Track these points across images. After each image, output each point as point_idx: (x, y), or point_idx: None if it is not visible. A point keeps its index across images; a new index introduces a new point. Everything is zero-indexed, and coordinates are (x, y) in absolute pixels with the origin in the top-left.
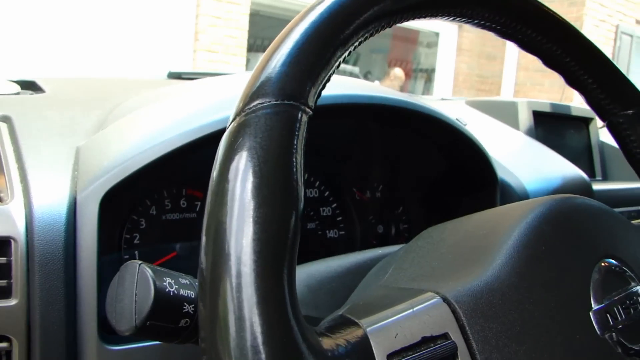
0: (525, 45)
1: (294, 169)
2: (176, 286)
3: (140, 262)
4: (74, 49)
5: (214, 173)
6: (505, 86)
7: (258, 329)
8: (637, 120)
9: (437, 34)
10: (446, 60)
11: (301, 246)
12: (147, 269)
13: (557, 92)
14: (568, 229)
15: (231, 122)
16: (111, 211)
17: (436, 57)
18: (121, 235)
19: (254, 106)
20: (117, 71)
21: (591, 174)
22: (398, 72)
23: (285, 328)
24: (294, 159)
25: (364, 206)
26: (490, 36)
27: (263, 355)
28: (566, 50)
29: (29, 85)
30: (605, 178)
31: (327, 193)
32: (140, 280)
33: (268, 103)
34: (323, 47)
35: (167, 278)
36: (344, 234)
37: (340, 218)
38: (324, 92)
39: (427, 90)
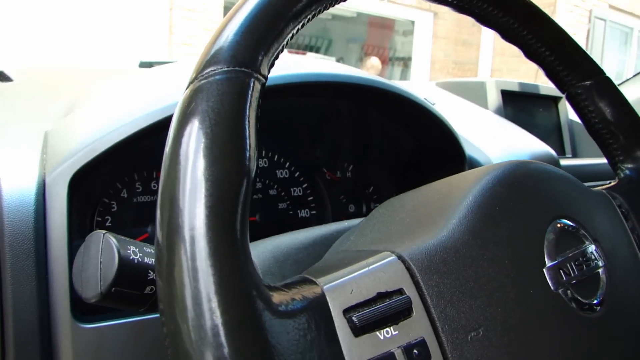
0: (483, 19)
1: (247, 132)
2: (140, 254)
3: (104, 231)
4: (47, 41)
5: (168, 139)
6: (481, 72)
7: (211, 280)
8: (595, 91)
9: (412, 22)
10: (422, 48)
11: (273, 226)
12: (112, 237)
13: (533, 77)
14: (522, 191)
15: (185, 90)
16: (82, 194)
17: (412, 45)
18: (93, 218)
19: (206, 73)
20: (90, 64)
21: (561, 151)
22: (374, 61)
23: (239, 278)
24: (247, 122)
25: (334, 186)
26: (465, 23)
27: (215, 304)
28: (523, 24)
29: None
30: (575, 155)
31: (297, 173)
32: (105, 248)
33: (220, 69)
34: (275, 18)
35: (131, 246)
36: (315, 213)
37: (311, 198)
38: (292, 71)
39: (404, 78)
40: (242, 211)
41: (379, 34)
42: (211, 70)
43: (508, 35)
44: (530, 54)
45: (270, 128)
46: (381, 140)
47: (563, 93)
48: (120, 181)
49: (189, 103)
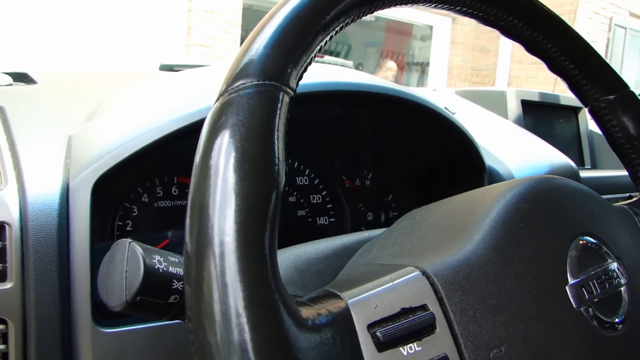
0: (508, 31)
1: (276, 146)
2: (165, 263)
3: (130, 240)
4: (68, 43)
5: (198, 151)
6: (499, 79)
7: (240, 295)
8: (618, 106)
9: (430, 27)
10: (440, 53)
11: (291, 233)
12: (137, 246)
13: (551, 84)
14: (546, 207)
15: (215, 103)
16: (103, 198)
17: (430, 50)
18: (114, 223)
19: (236, 86)
20: (110, 66)
21: (580, 162)
22: (390, 64)
23: (267, 294)
24: (276, 136)
25: (353, 194)
26: (484, 29)
27: (244, 319)
28: (547, 36)
29: (22, 77)
30: (595, 167)
31: (317, 181)
32: (130, 257)
33: (250, 83)
34: (304, 31)
35: (157, 255)
36: (333, 221)
37: (330, 205)
38: (313, 79)
39: (421, 83)
40: (271, 226)
41: (397, 39)
42: (241, 84)
43: (532, 48)
44: (554, 67)
45: (290, 135)
46: (401, 149)
47: (586, 107)
48: (141, 186)
49: (219, 116)
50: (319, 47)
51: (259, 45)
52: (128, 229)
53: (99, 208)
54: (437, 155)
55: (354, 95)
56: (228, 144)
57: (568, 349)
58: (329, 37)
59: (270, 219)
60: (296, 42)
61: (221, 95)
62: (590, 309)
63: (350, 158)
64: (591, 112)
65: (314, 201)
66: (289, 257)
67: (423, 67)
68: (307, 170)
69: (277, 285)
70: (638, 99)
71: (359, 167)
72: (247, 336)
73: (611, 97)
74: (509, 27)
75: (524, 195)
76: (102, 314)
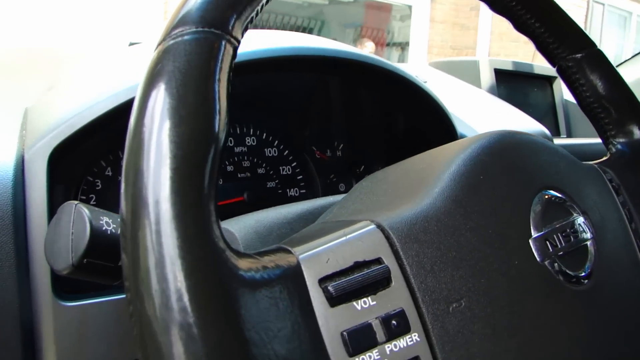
0: None
1: (216, 94)
2: (114, 225)
3: (77, 202)
4: (39, 24)
5: (135, 99)
6: (478, 57)
7: (174, 243)
8: (586, 64)
9: (409, 7)
10: (419, 33)
11: (261, 205)
12: (84, 208)
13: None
14: (509, 160)
15: (154, 52)
16: (64, 172)
17: (410, 30)
18: (77, 197)
19: (174, 34)
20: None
21: (556, 132)
22: (368, 43)
23: (204, 243)
24: (216, 85)
25: (324, 165)
26: (463, 7)
27: (178, 268)
28: None
29: None
30: (570, 136)
31: (286, 152)
32: (77, 219)
33: (188, 30)
34: None
35: (105, 217)
36: (304, 192)
37: (300, 177)
38: (279, 44)
39: (401, 62)
40: (210, 174)
41: (376, 19)
42: (180, 31)
43: (497, 7)
44: (520, 26)
45: (258, 106)
46: (372, 119)
47: (554, 66)
48: (104, 159)
49: (155, 64)
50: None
51: None
52: (91, 203)
53: (60, 182)
54: (408, 125)
55: (322, 61)
56: (163, 91)
57: (532, 303)
58: None
59: (209, 166)
60: None
61: (159, 44)
62: (556, 264)
63: (320, 128)
64: (559, 71)
65: (284, 172)
66: (249, 222)
67: (403, 46)
68: (276, 142)
69: (216, 234)
70: (605, 57)
71: (330, 138)
72: (182, 285)
73: (578, 55)
74: None
75: (485, 148)
76: (64, 288)
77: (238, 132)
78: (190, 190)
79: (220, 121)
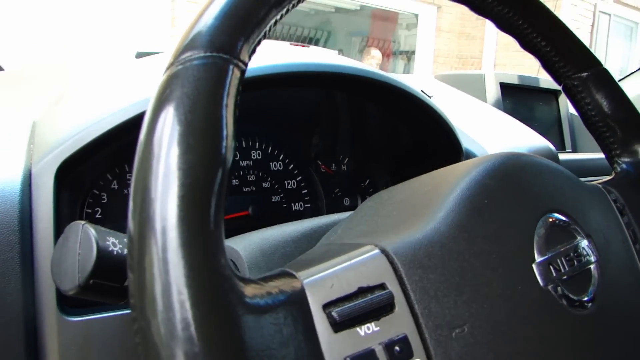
0: (477, 8)
1: (223, 120)
2: (120, 246)
3: (84, 222)
4: (46, 32)
5: (143, 124)
6: (485, 66)
7: (180, 272)
8: (591, 83)
9: (416, 16)
10: (426, 42)
11: (266, 219)
12: (90, 228)
13: (536, 72)
14: (513, 184)
15: (162, 76)
16: (70, 185)
17: (416, 39)
18: (82, 210)
19: (183, 58)
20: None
21: (561, 146)
22: (375, 52)
23: (211, 271)
24: (223, 110)
25: (329, 179)
26: (469, 17)
27: (185, 296)
28: (518, 13)
29: None
30: (575, 150)
31: (291, 166)
32: (84, 240)
33: (197, 55)
34: (257, 3)
35: (111, 238)
36: (309, 206)
37: (305, 191)
38: (286, 60)
39: (407, 72)
40: (217, 201)
41: (382, 27)
42: (188, 56)
43: (503, 24)
44: (526, 45)
45: (264, 120)
46: (377, 134)
47: (559, 85)
48: (110, 172)
49: (164, 89)
50: (273, 20)
51: (209, 17)
52: (97, 216)
53: (66, 195)
54: (414, 139)
55: (328, 77)
56: (172, 117)
57: (535, 328)
58: (285, 10)
59: (216, 193)
60: (248, 14)
61: (168, 68)
62: (559, 288)
63: (325, 143)
64: (564, 90)
65: (289, 187)
66: (254, 240)
67: (409, 55)
68: (282, 155)
69: (221, 262)
70: (611, 76)
71: (335, 152)
72: (189, 314)
73: (584, 74)
74: (479, 4)
75: (489, 171)
76: (68, 303)
77: (244, 145)
78: (197, 218)
79: (227, 146)
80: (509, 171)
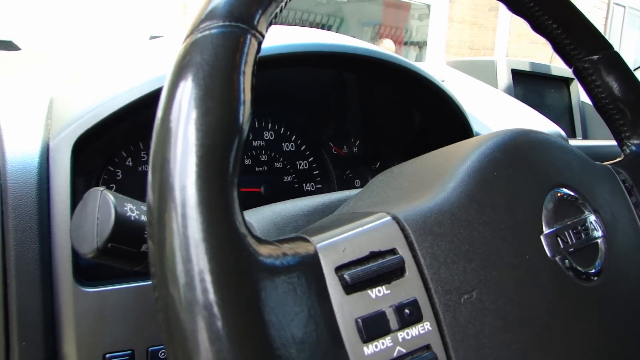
0: None
1: (241, 87)
2: (137, 212)
3: (102, 188)
4: (63, 14)
5: (163, 90)
6: (496, 57)
7: (199, 227)
8: (602, 66)
9: (428, 6)
10: (438, 33)
11: (277, 199)
12: (109, 194)
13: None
14: (522, 158)
15: (182, 44)
16: (86, 161)
17: (427, 29)
18: (98, 186)
19: (202, 27)
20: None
21: (572, 134)
22: (388, 43)
23: (228, 227)
24: (241, 77)
25: (341, 161)
26: (482, 8)
27: (202, 250)
28: None
29: (6, 45)
30: (586, 138)
31: (303, 147)
32: (102, 205)
33: (216, 24)
34: None
35: (129, 204)
36: (320, 187)
37: (317, 172)
38: (299, 41)
39: (419, 62)
40: (234, 162)
41: (394, 17)
42: (207, 25)
43: (514, 6)
44: (537, 27)
45: (277, 101)
46: (389, 116)
47: (570, 67)
48: (125, 150)
49: (183, 57)
50: None
51: None
52: None
53: (82, 171)
54: (425, 123)
55: (340, 57)
56: (191, 82)
57: (541, 297)
58: None
59: (234, 155)
60: None
61: (187, 37)
62: (566, 260)
63: (337, 124)
64: (575, 72)
65: (301, 167)
66: (267, 213)
67: (421, 45)
68: (294, 136)
69: (238, 220)
70: (622, 59)
71: (347, 134)
72: (205, 267)
73: (595, 57)
74: None
75: (500, 145)
76: (84, 274)
77: (256, 126)
78: (215, 177)
79: (245, 112)
80: (519, 146)
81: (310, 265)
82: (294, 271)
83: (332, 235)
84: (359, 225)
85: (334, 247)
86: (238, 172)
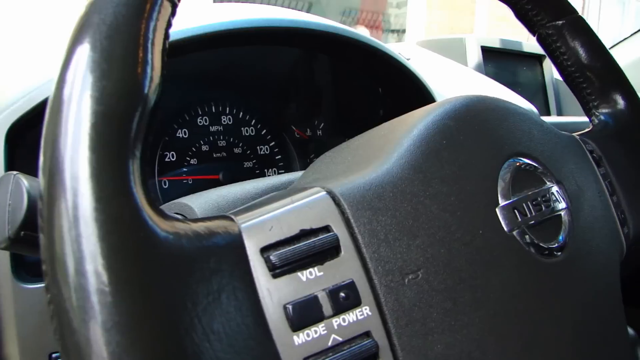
0: None
1: (147, 50)
2: None
3: (16, 172)
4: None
5: (62, 54)
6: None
7: (90, 204)
8: (567, 31)
9: None
10: (416, 19)
11: None
12: (22, 178)
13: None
14: (475, 125)
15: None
16: (26, 151)
17: (406, 18)
18: None
19: None
20: None
21: (546, 112)
22: (361, 28)
23: (122, 204)
24: (148, 41)
25: (304, 144)
26: None
27: (92, 229)
28: None
29: None
30: (561, 115)
31: (264, 131)
32: (14, 190)
33: None
34: None
35: None
36: (283, 172)
37: (279, 157)
38: (258, 16)
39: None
40: (135, 130)
41: (372, 5)
42: None
43: None
44: None
45: (235, 84)
46: (353, 97)
47: (533, 35)
48: None
49: (82, 18)
50: None
51: None
52: None
53: (22, 161)
54: (391, 102)
55: (301, 34)
56: (86, 44)
57: (497, 275)
58: None
59: (135, 124)
60: None
61: None
62: (527, 236)
63: (300, 107)
64: (539, 39)
65: (262, 152)
66: (211, 197)
67: (399, 34)
68: (254, 120)
69: (138, 195)
70: (587, 24)
71: (310, 117)
72: (96, 247)
73: (559, 22)
74: None
75: (450, 113)
76: (26, 269)
77: (214, 110)
78: (109, 147)
79: (151, 78)
80: (472, 112)
81: (232, 247)
82: (210, 255)
83: (260, 213)
84: (290, 202)
85: (259, 226)
86: (143, 144)
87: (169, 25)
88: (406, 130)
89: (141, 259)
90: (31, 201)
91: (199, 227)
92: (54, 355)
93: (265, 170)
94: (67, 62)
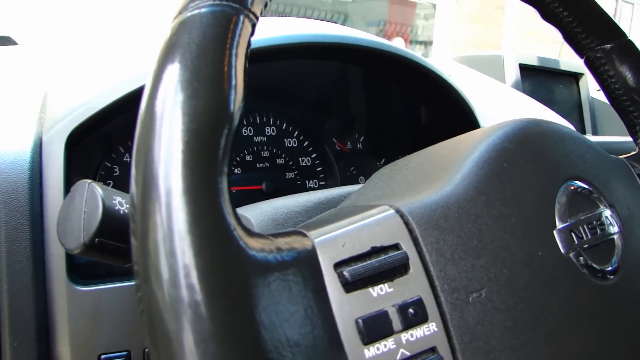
0: None
1: (232, 70)
2: (127, 205)
3: (90, 181)
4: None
5: (149, 73)
6: (503, 51)
7: (183, 218)
8: (615, 55)
9: (434, 5)
10: (443, 30)
11: (280, 196)
12: (97, 187)
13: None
14: (533, 148)
15: (170, 25)
16: (82, 156)
17: (433, 29)
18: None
19: (191, 6)
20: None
21: (581, 130)
22: (398, 41)
23: (215, 219)
24: (233, 60)
25: (344, 157)
26: (488, 7)
27: (187, 243)
28: None
29: (4, 40)
30: (596, 134)
31: (306, 143)
32: (89, 198)
33: (205, 3)
34: None
35: (118, 197)
36: (324, 184)
37: (320, 169)
38: (301, 32)
39: None
40: (224, 149)
41: (400, 16)
42: (196, 4)
43: None
44: (547, 15)
45: (279, 96)
46: (394, 111)
47: (581, 57)
48: (122, 145)
49: (170, 37)
50: None
51: None
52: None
53: (78, 166)
54: (431, 118)
55: (345, 49)
56: (177, 63)
57: (555, 295)
58: None
59: (224, 141)
60: None
61: (175, 17)
62: (581, 257)
63: (341, 120)
64: (587, 62)
65: (303, 164)
66: (266, 209)
67: (427, 44)
68: (296, 132)
69: (227, 211)
70: (636, 48)
71: (351, 130)
72: (190, 262)
73: (608, 46)
74: None
75: (509, 135)
76: (79, 273)
77: (258, 121)
78: (202, 164)
79: (236, 97)
80: (530, 136)
81: (307, 261)
82: (289, 267)
83: (331, 229)
84: (360, 219)
85: (332, 241)
86: (228, 161)
87: (249, 45)
88: (468, 152)
89: (233, 274)
90: (106, 210)
91: (280, 242)
92: (103, 356)
93: (307, 181)
94: (158, 78)
